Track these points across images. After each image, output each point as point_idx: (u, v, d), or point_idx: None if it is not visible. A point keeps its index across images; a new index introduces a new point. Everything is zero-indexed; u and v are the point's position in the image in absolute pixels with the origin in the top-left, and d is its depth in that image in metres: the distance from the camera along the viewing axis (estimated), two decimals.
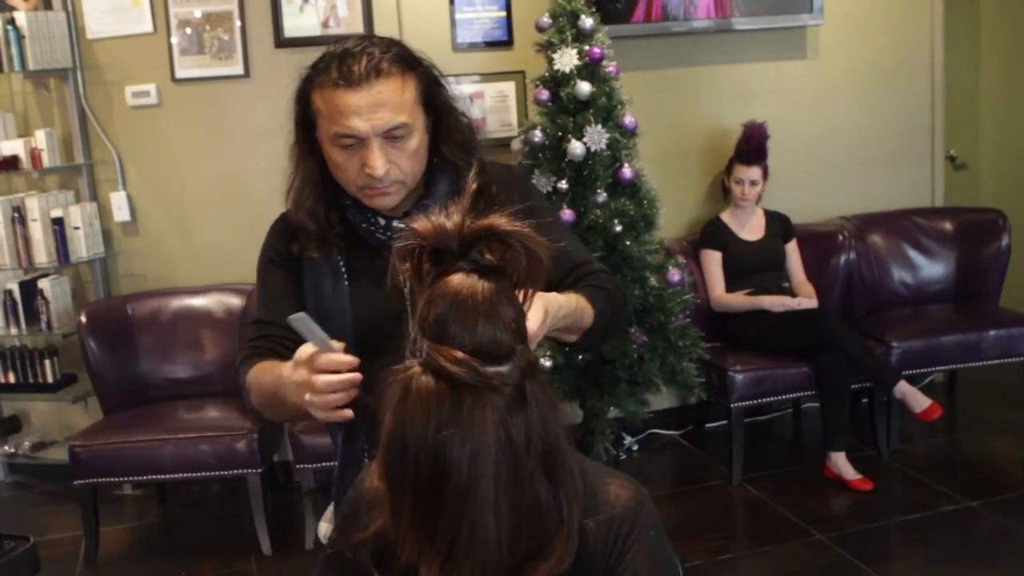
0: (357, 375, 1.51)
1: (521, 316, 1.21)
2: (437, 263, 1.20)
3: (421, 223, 1.20)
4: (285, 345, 1.80)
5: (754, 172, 4.59)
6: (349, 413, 1.53)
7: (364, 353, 1.59)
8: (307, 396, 1.51)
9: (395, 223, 1.80)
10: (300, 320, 1.52)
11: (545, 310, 1.48)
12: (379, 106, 1.69)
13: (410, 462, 1.14)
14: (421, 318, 1.18)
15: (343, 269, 1.83)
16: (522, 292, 1.22)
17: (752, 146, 4.58)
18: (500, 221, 1.18)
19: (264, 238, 1.92)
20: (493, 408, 1.14)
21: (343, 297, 1.82)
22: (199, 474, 3.98)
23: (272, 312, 1.83)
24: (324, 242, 1.81)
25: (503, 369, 1.16)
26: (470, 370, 1.14)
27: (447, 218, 1.19)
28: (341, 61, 1.70)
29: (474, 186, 1.26)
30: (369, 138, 1.69)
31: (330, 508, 2.02)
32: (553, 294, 1.59)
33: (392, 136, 1.71)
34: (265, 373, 1.72)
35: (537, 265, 1.19)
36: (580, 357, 4.13)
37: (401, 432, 1.15)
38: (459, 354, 1.14)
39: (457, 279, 1.17)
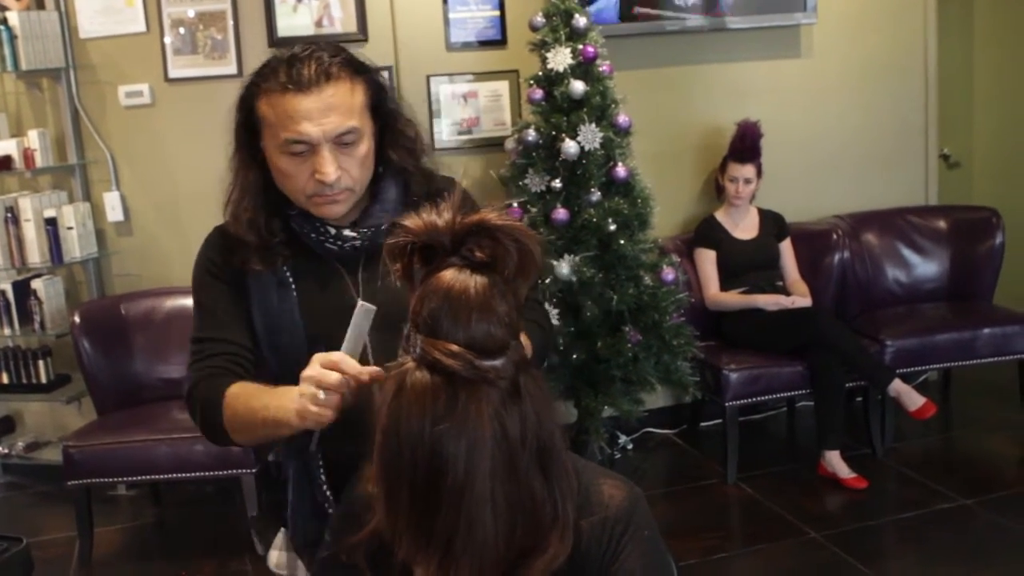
0: (363, 379, 1.50)
1: (514, 311, 1.21)
2: (427, 262, 1.20)
3: (412, 220, 1.20)
4: (239, 363, 1.76)
5: (748, 170, 4.59)
6: (331, 415, 1.51)
7: None
8: (313, 389, 1.49)
9: (346, 232, 1.76)
10: (367, 312, 1.53)
11: None
12: (330, 110, 1.65)
13: (406, 459, 1.14)
14: (414, 314, 1.19)
15: (290, 279, 1.78)
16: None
17: (746, 144, 4.59)
18: (490, 216, 1.19)
19: (199, 251, 1.87)
20: (488, 402, 1.14)
21: (292, 308, 1.77)
22: (193, 474, 3.97)
23: (216, 329, 1.79)
24: (266, 253, 1.76)
25: (497, 363, 1.16)
26: (465, 363, 1.14)
27: (438, 216, 1.19)
28: (289, 66, 1.66)
29: (464, 183, 1.25)
30: (320, 144, 1.66)
31: (280, 535, 1.97)
32: None
33: (342, 142, 1.68)
34: (256, 392, 1.67)
35: (529, 259, 1.19)
36: (575, 356, 4.13)
37: (396, 428, 1.15)
38: (454, 347, 1.14)
39: (449, 275, 1.17)
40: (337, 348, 1.54)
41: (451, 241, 1.18)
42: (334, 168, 1.67)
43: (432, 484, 1.14)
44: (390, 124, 1.78)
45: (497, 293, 1.18)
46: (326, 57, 1.67)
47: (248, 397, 1.67)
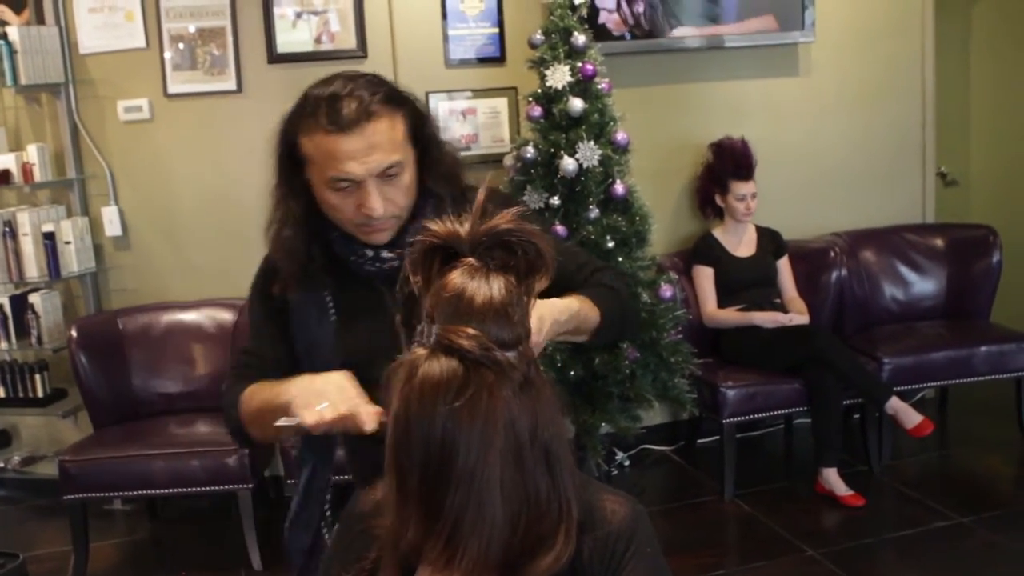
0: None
1: (526, 313, 1.22)
2: (445, 266, 1.22)
3: (436, 225, 1.22)
4: (268, 376, 1.80)
5: (751, 186, 4.61)
6: (325, 426, 1.60)
7: None
8: (357, 403, 1.58)
9: (384, 253, 1.79)
10: None
11: (540, 317, 1.49)
12: (373, 149, 1.67)
13: (417, 440, 1.15)
14: (429, 308, 1.20)
15: (330, 303, 1.83)
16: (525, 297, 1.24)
17: (747, 161, 4.61)
18: (503, 220, 1.21)
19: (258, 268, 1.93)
20: (500, 390, 1.15)
21: (329, 332, 1.82)
22: (189, 489, 3.96)
23: (259, 345, 1.90)
24: (305, 279, 1.81)
25: (510, 355, 1.17)
26: (481, 345, 1.15)
27: (460, 224, 1.21)
28: (330, 106, 1.67)
29: (482, 197, 1.26)
30: (365, 180, 1.68)
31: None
32: (552, 300, 1.59)
33: (387, 175, 1.70)
34: (269, 385, 1.74)
35: (542, 261, 1.21)
36: (572, 372, 4.13)
37: (407, 411, 1.15)
38: (470, 330, 1.15)
39: (465, 272, 1.19)
40: (370, 370, 1.56)
41: (470, 246, 1.20)
42: (380, 203, 1.70)
43: (443, 465, 1.14)
44: (429, 150, 1.80)
45: (510, 291, 1.20)
46: (366, 96, 1.68)
47: (264, 387, 1.75)
